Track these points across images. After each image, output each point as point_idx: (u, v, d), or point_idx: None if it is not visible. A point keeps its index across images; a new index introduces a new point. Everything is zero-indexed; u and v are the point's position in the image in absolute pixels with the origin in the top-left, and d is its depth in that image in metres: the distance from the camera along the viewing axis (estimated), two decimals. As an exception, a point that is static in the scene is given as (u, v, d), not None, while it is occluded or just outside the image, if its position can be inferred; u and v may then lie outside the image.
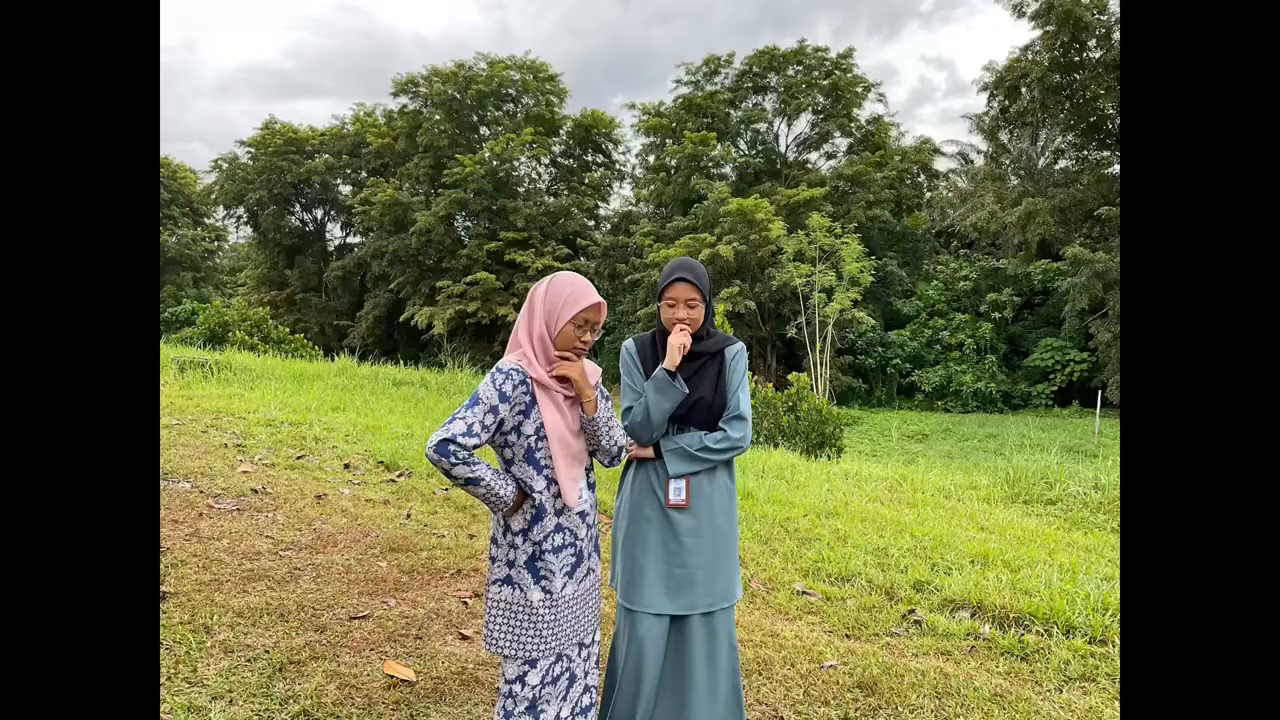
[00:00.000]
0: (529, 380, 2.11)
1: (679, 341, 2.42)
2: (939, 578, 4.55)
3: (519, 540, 2.13)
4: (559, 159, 38.69)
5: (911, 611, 4.06)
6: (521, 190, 36.57)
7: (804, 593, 4.31)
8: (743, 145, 35.60)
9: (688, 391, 2.44)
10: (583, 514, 2.23)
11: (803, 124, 34.90)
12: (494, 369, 2.11)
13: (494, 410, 2.04)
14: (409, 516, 5.25)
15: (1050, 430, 21.63)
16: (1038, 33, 27.89)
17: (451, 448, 1.96)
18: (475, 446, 2.00)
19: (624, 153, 39.50)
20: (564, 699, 2.21)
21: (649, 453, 2.49)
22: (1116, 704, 3.14)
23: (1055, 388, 27.28)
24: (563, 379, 2.16)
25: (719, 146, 32.94)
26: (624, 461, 2.61)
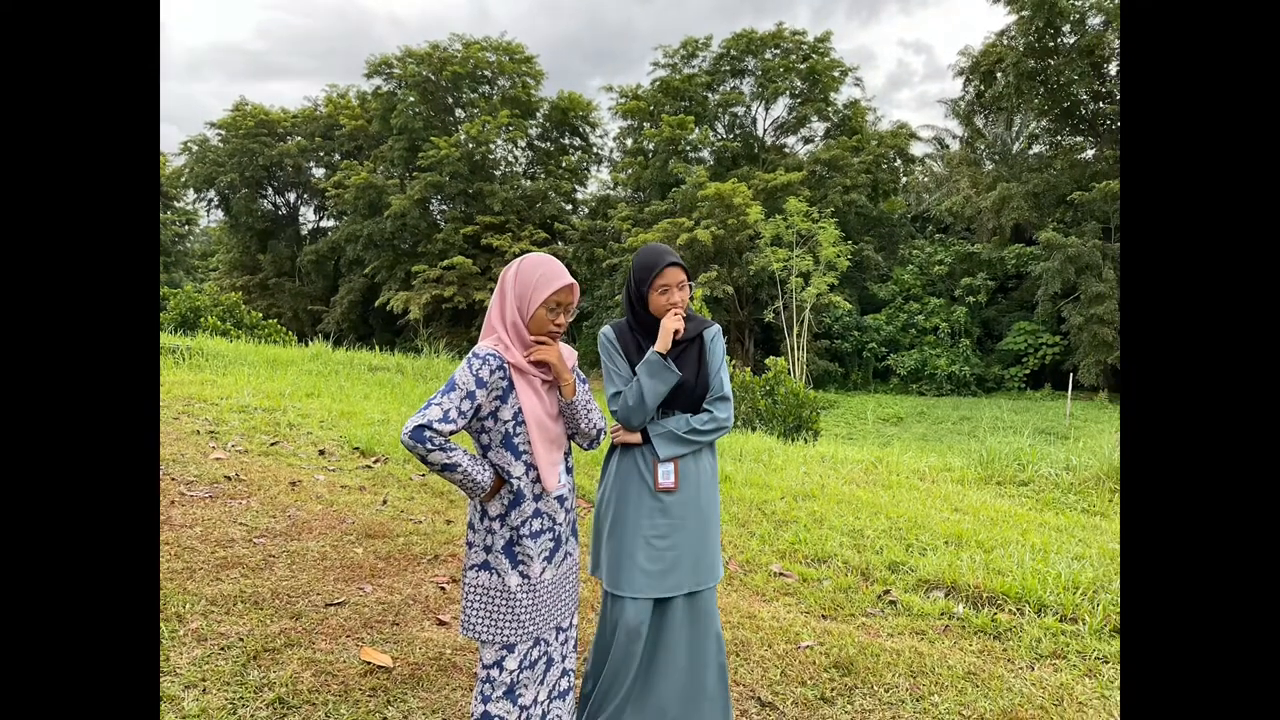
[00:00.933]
0: (506, 365, 2.08)
1: (674, 325, 2.42)
2: (914, 558, 4.60)
3: (496, 525, 2.12)
4: (536, 142, 38.35)
5: (887, 592, 4.11)
6: (498, 173, 36.24)
7: (781, 574, 4.34)
8: (720, 129, 35.51)
9: (680, 374, 2.44)
10: (561, 498, 2.22)
11: (780, 108, 34.89)
12: (470, 354, 2.08)
13: (471, 396, 2.02)
14: (385, 502, 5.21)
15: (1023, 413, 21.94)
16: (1013, 18, 28.02)
17: (427, 434, 1.94)
18: (452, 433, 1.98)
19: (601, 136, 39.28)
20: (541, 683, 2.21)
21: (636, 438, 2.49)
22: (1086, 680, 3.20)
23: (1028, 371, 27.65)
24: (540, 363, 2.14)
25: (697, 130, 32.82)
26: (606, 448, 2.61)
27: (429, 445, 1.94)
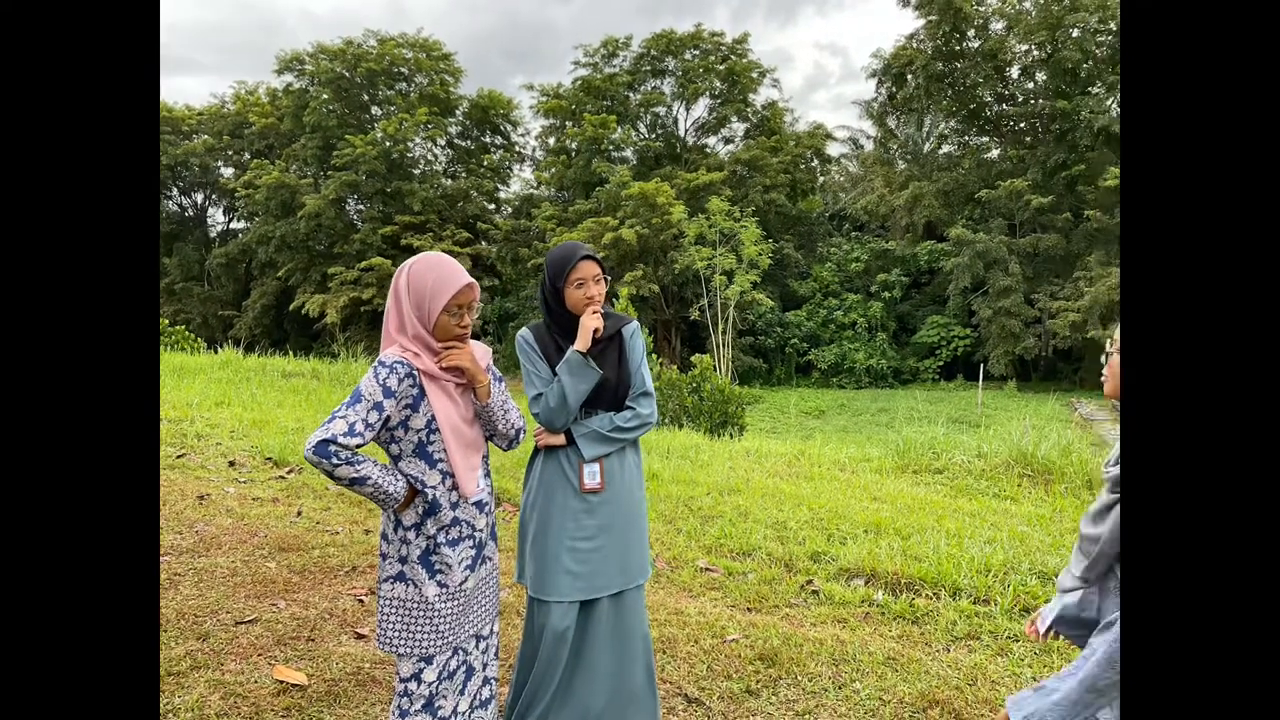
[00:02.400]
0: (416, 372, 1.99)
1: (593, 323, 2.38)
2: (835, 548, 4.70)
3: (411, 535, 2.05)
4: (456, 140, 37.72)
5: (809, 582, 4.18)
6: (417, 172, 35.49)
7: (707, 569, 4.37)
8: (643, 129, 35.66)
9: (601, 372, 2.41)
10: (480, 503, 2.16)
11: (701, 108, 35.28)
12: (376, 362, 1.98)
13: (378, 407, 1.92)
14: (300, 514, 5.02)
15: (937, 403, 22.78)
16: (922, 22, 29.06)
17: (332, 448, 1.84)
18: (358, 446, 1.89)
19: (523, 135, 38.95)
20: (462, 693, 2.16)
21: (560, 440, 2.44)
22: (999, 659, 3.32)
23: (941, 363, 28.73)
24: (453, 369, 2.07)
25: (619, 129, 32.87)
26: (530, 451, 2.56)
27: (334, 460, 1.85)
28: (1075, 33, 26.15)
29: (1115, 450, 1.82)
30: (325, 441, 1.84)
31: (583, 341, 2.38)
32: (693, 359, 13.45)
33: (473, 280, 2.06)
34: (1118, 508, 1.64)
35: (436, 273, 2.03)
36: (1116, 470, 1.72)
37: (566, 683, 2.45)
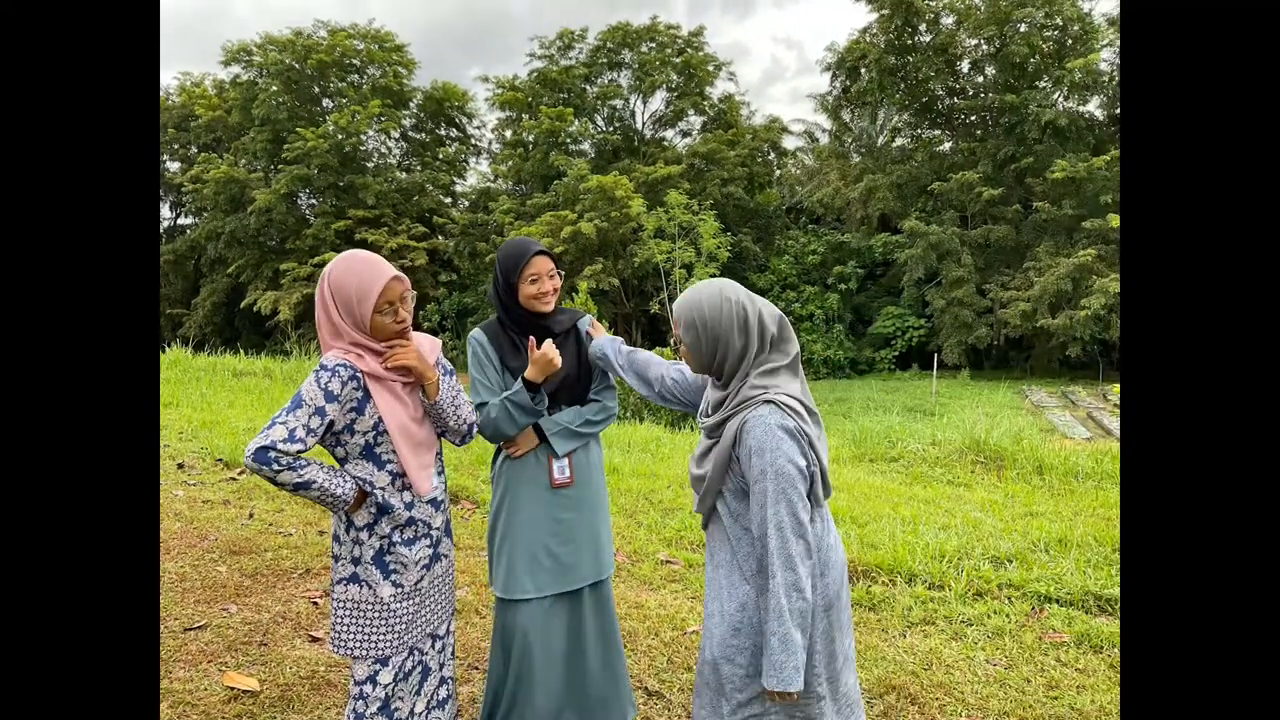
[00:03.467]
0: (359, 375, 1.93)
1: (551, 355, 2.29)
2: (794, 538, 4.75)
3: (364, 535, 2.01)
4: (410, 133, 37.12)
5: (769, 573, 4.21)
6: (371, 165, 34.85)
7: (668, 561, 4.38)
8: (600, 121, 35.51)
9: (544, 413, 2.38)
10: (435, 501, 2.12)
11: (658, 101, 35.25)
12: (319, 365, 1.92)
13: (320, 412, 1.86)
14: (251, 516, 4.91)
15: (893, 393, 23.15)
16: (875, 16, 29.39)
17: (271, 454, 1.78)
18: (300, 452, 1.83)
19: (479, 127, 38.48)
20: (418, 693, 2.12)
21: (534, 443, 2.41)
22: (953, 643, 3.39)
23: (896, 353, 29.19)
24: (400, 368, 2.01)
25: (576, 122, 32.69)
26: (492, 451, 2.53)
27: (274, 466, 1.79)
28: (1023, 27, 26.70)
29: (706, 399, 1.96)
30: (264, 449, 1.78)
31: (535, 371, 2.31)
32: (654, 352, 13.45)
33: (398, 274, 1.98)
34: (715, 448, 1.81)
35: (358, 277, 1.94)
36: (709, 420, 1.87)
37: (563, 683, 2.43)
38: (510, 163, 34.15)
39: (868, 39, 29.97)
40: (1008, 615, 3.63)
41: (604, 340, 2.47)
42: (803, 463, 1.72)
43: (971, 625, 3.57)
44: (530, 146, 33.27)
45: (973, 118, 30.22)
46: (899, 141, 32.93)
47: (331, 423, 1.90)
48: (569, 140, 33.13)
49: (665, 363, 2.32)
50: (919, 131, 32.30)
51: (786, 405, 1.73)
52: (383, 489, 1.99)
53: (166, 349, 15.57)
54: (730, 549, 1.83)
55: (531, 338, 2.35)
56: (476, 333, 2.48)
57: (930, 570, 4.13)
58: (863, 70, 30.20)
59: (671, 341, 1.97)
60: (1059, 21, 26.42)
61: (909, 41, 29.35)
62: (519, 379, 2.33)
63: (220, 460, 6.32)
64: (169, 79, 44.32)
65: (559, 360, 2.33)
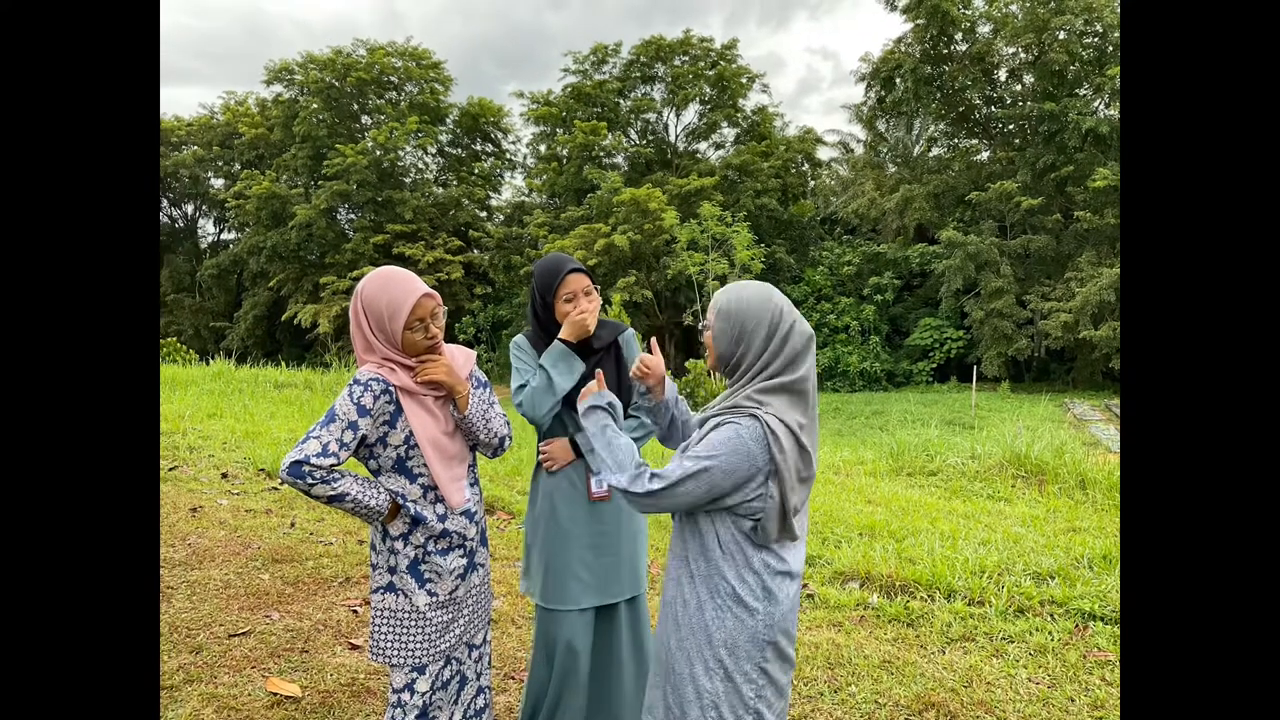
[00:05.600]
0: (392, 389, 1.97)
1: (582, 321, 2.35)
2: (829, 551, 4.70)
3: (399, 545, 2.04)
4: (446, 148, 37.69)
5: (804, 586, 4.18)
6: (408, 181, 35.44)
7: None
8: (633, 135, 35.71)
9: (585, 365, 2.38)
10: (469, 513, 2.14)
11: (691, 114, 35.34)
12: (352, 380, 1.96)
13: (353, 426, 1.90)
14: (293, 525, 5.00)
15: (931, 405, 22.82)
16: (910, 25, 29.19)
17: (305, 469, 1.82)
18: (333, 466, 1.87)
19: (514, 142, 38.92)
20: (456, 702, 2.15)
21: (570, 458, 2.43)
22: (994, 660, 3.32)
23: (934, 365, 28.76)
24: (432, 383, 2.04)
25: (610, 136, 32.91)
26: (534, 464, 2.55)
27: (308, 480, 1.84)
28: (1062, 35, 26.31)
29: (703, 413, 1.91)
30: (298, 463, 1.82)
31: (568, 331, 2.35)
32: (686, 364, 13.46)
33: (429, 290, 2.01)
34: (689, 441, 1.78)
35: (389, 293, 1.97)
36: (700, 415, 1.86)
37: (594, 696, 2.44)
38: (544, 177, 34.48)
39: (903, 49, 29.75)
40: (1050, 633, 3.56)
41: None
42: (742, 486, 1.65)
43: (1013, 642, 3.50)
44: (564, 160, 33.55)
45: (1011, 126, 29.80)
46: (935, 151, 32.59)
47: (364, 436, 1.94)
48: (602, 154, 33.36)
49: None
50: (956, 141, 31.93)
51: (771, 428, 1.66)
52: (415, 501, 2.02)
53: (210, 361, 15.95)
54: (683, 541, 1.79)
55: (599, 371, 2.26)
56: (518, 338, 2.52)
57: (970, 586, 4.06)
58: (898, 80, 29.95)
59: (700, 326, 1.94)
60: (1099, 28, 25.97)
61: (945, 50, 29.08)
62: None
63: (262, 470, 6.45)
64: (214, 98, 45.52)
65: (592, 323, 2.36)
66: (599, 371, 2.09)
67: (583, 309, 2.38)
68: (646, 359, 2.11)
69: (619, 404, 1.97)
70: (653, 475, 1.70)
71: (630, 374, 2.11)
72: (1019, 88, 29.36)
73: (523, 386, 2.39)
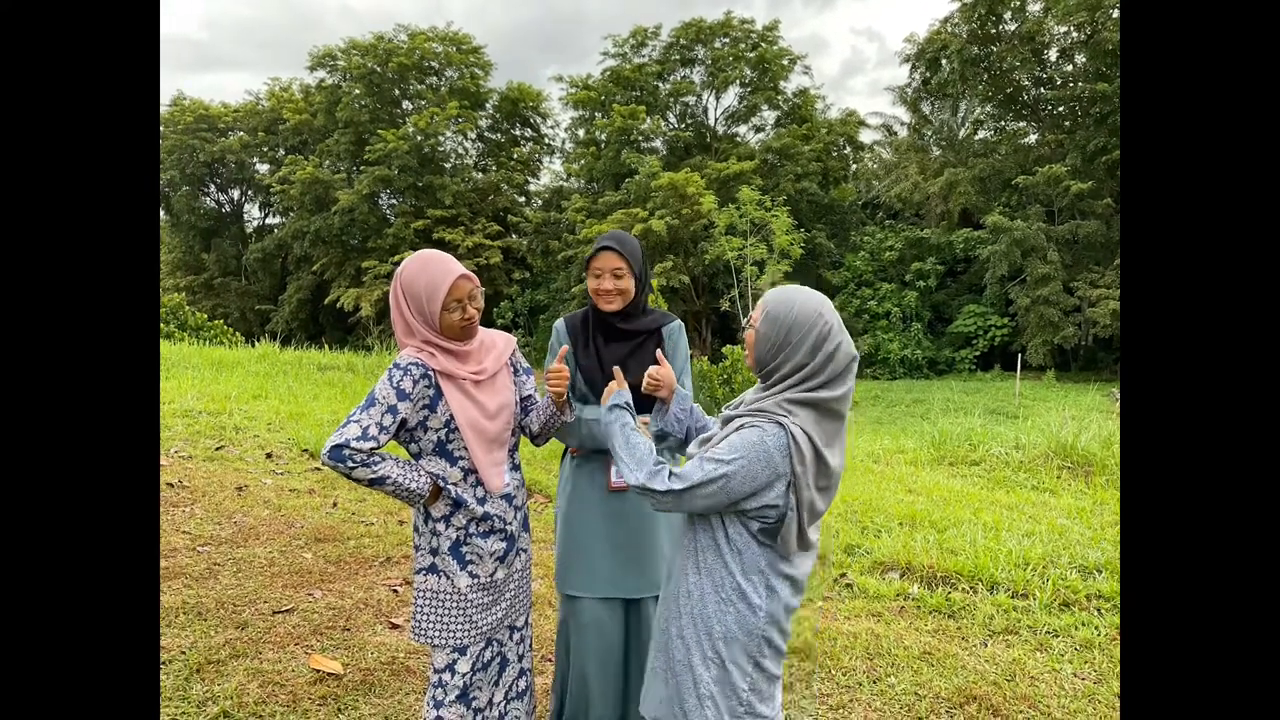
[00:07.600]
0: (431, 373, 1.98)
1: (617, 388, 2.08)
2: (869, 540, 4.65)
3: (440, 527, 2.05)
4: (486, 134, 37.86)
5: (844, 575, 4.14)
6: (448, 166, 35.70)
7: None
8: (672, 118, 35.48)
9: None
10: (508, 497, 2.15)
11: (731, 97, 34.97)
12: (392, 364, 1.97)
13: (393, 410, 1.91)
14: (335, 505, 5.09)
15: (973, 394, 22.41)
16: (956, 4, 28.48)
17: (346, 452, 1.84)
18: (373, 449, 1.89)
19: (553, 127, 38.95)
20: (496, 684, 2.16)
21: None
22: (1038, 654, 3.26)
23: (978, 353, 28.23)
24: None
25: (648, 120, 32.74)
26: (563, 449, 2.53)
27: (349, 464, 1.86)
28: (1116, 13, 25.44)
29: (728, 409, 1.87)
30: (339, 446, 1.84)
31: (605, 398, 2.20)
32: (723, 350, 13.39)
33: (465, 272, 2.02)
34: (710, 439, 1.79)
35: (426, 274, 1.99)
36: (726, 413, 1.83)
37: (611, 688, 2.41)
38: (583, 161, 34.46)
39: (949, 29, 29.06)
40: (1096, 627, 3.47)
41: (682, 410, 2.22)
42: (760, 492, 1.64)
43: (1057, 636, 3.42)
44: (603, 145, 33.48)
45: (1061, 108, 28.97)
46: (981, 134, 31.84)
47: (404, 420, 1.95)
48: (641, 138, 33.20)
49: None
50: (1003, 123, 31.15)
51: (795, 437, 1.64)
52: (455, 484, 2.04)
53: (256, 343, 16.30)
54: (693, 534, 1.79)
55: (617, 368, 2.13)
56: (559, 322, 2.50)
57: (1013, 578, 3.99)
58: (944, 61, 29.29)
59: (744, 322, 1.90)
60: (1157, 5, 25.05)
61: (993, 30, 28.33)
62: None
63: (305, 450, 6.58)
64: (259, 84, 46.28)
65: (623, 388, 2.10)
66: (617, 370, 2.06)
67: (604, 287, 2.33)
68: (655, 371, 2.08)
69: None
70: (672, 475, 1.70)
71: (643, 387, 2.09)
72: (1070, 68, 28.49)
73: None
